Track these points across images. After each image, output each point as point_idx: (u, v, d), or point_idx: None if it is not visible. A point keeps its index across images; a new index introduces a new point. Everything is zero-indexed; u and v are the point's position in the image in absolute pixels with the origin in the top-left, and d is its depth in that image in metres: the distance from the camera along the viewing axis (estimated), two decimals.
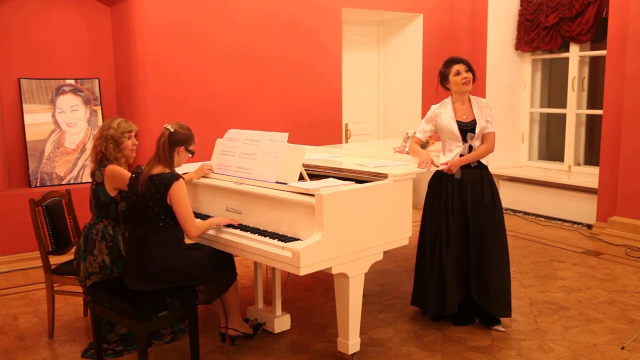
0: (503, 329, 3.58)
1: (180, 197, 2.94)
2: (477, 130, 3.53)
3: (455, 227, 3.56)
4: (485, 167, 3.61)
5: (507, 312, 3.60)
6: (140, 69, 5.22)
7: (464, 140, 3.54)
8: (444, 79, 3.62)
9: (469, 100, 3.62)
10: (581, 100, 6.48)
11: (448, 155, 3.61)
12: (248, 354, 3.32)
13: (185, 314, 3.00)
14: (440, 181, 3.62)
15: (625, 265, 4.86)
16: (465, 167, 3.56)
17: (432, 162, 3.46)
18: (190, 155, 3.14)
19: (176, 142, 3.04)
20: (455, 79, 3.54)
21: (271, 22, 5.79)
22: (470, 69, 3.57)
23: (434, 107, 3.68)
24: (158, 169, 3.00)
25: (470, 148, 3.55)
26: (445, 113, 3.58)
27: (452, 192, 3.57)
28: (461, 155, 3.55)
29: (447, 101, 3.64)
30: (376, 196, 3.08)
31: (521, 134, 7.05)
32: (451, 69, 3.56)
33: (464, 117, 3.57)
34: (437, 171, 3.63)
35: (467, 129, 3.54)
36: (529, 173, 6.69)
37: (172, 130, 3.03)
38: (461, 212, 3.57)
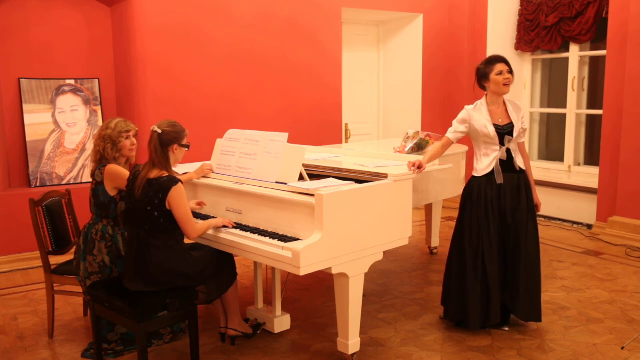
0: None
1: (179, 201, 2.92)
2: (515, 134, 3.44)
3: (496, 234, 3.48)
4: (523, 172, 3.52)
5: (538, 317, 3.55)
6: (140, 69, 5.23)
7: (501, 143, 3.44)
8: (483, 76, 3.48)
9: (504, 103, 3.52)
10: (581, 100, 6.48)
11: (484, 159, 3.49)
12: (248, 354, 3.32)
13: (185, 314, 3.00)
14: (478, 188, 3.49)
15: (625, 265, 4.86)
16: (506, 172, 3.46)
17: (420, 167, 3.33)
18: (186, 149, 3.12)
19: (168, 141, 3.01)
20: (496, 79, 3.42)
21: (271, 22, 5.80)
22: (511, 70, 3.46)
23: (468, 108, 3.53)
24: (155, 173, 2.97)
25: (508, 151, 3.46)
26: (480, 116, 3.46)
27: (491, 198, 3.46)
28: (501, 160, 3.44)
29: (482, 103, 3.50)
30: (376, 196, 3.08)
31: None
32: (494, 68, 3.43)
33: (500, 120, 3.46)
34: (473, 177, 3.53)
35: (504, 132, 3.43)
36: None
37: (160, 131, 2.99)
38: (500, 218, 3.48)
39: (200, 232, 3.04)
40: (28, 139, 5.19)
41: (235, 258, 3.31)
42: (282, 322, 3.54)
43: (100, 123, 5.46)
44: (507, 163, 3.48)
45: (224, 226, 3.16)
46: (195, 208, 3.38)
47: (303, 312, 3.92)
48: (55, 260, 3.75)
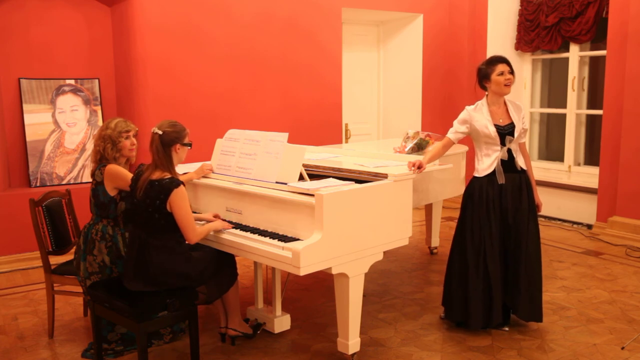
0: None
1: (180, 204, 2.91)
2: (516, 134, 3.44)
3: (497, 234, 3.48)
4: (524, 172, 3.52)
5: (539, 317, 3.54)
6: (140, 69, 5.23)
7: (502, 143, 3.44)
8: (484, 77, 3.48)
9: (505, 104, 3.52)
10: (581, 100, 6.48)
11: (485, 160, 3.49)
12: (248, 354, 3.32)
13: (185, 314, 3.00)
14: (479, 188, 3.49)
15: (625, 265, 4.86)
16: (507, 172, 3.46)
17: (420, 167, 3.34)
18: (188, 148, 3.11)
19: (169, 142, 3.00)
20: (497, 79, 3.42)
21: (271, 22, 5.80)
22: (512, 70, 3.46)
23: (468, 108, 3.52)
24: (157, 174, 2.97)
25: (509, 151, 3.46)
26: (481, 117, 3.45)
27: (493, 198, 3.46)
28: (502, 160, 3.44)
29: (482, 103, 3.50)
30: (376, 196, 3.08)
31: None
32: (495, 68, 3.43)
33: (501, 120, 3.45)
34: (474, 177, 3.53)
35: (505, 132, 3.43)
36: None
37: (161, 132, 2.98)
38: (501, 218, 3.48)
39: (200, 236, 3.03)
40: (28, 139, 5.19)
41: (236, 258, 3.31)
42: (282, 322, 3.54)
43: (100, 123, 5.47)
44: (508, 163, 3.47)
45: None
46: (209, 219, 3.31)
47: (303, 312, 3.92)
48: (55, 260, 3.75)
